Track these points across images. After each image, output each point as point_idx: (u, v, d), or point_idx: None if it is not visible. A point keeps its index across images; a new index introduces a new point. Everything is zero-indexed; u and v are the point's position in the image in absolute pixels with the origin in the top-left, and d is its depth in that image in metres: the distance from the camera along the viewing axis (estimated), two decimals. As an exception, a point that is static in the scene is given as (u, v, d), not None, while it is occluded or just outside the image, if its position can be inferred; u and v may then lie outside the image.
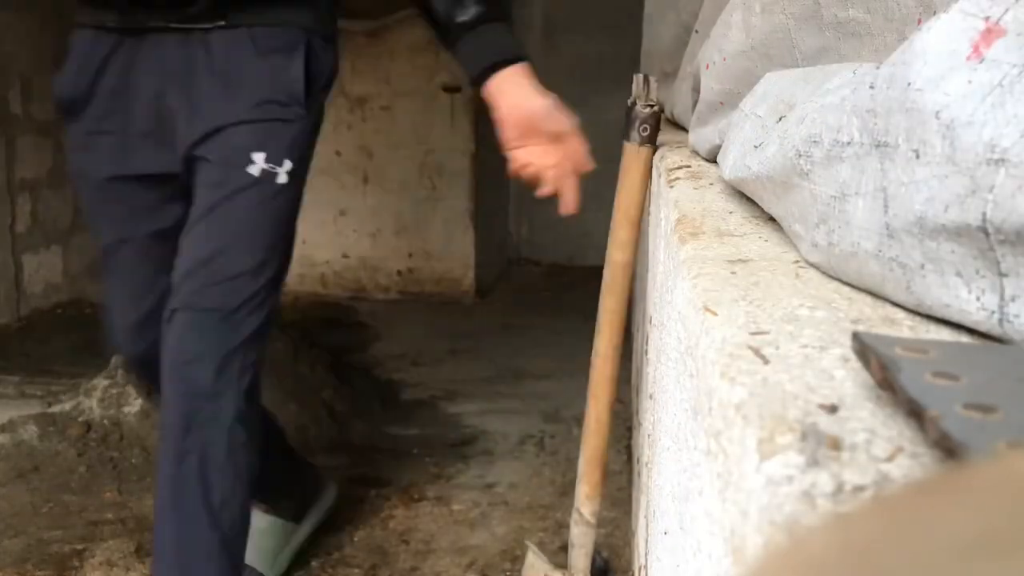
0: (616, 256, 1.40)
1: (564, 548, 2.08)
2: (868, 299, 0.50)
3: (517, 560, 2.01)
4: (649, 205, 1.38)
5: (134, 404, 2.59)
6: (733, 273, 0.58)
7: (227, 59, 1.49)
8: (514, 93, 1.54)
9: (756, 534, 0.31)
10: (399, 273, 4.34)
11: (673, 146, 1.45)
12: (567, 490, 2.18)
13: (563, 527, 2.16)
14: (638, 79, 1.34)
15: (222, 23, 1.48)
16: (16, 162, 3.89)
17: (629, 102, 1.34)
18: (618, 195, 1.38)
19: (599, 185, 5.47)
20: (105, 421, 2.55)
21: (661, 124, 1.38)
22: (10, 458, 2.47)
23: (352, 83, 4.24)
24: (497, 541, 2.13)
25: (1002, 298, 0.39)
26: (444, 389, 3.19)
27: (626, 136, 1.36)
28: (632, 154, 1.36)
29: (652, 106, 1.34)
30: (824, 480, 0.30)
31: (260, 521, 1.86)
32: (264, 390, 2.68)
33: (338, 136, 4.27)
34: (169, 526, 1.49)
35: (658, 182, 1.36)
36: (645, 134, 1.34)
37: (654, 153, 1.36)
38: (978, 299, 0.40)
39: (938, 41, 0.41)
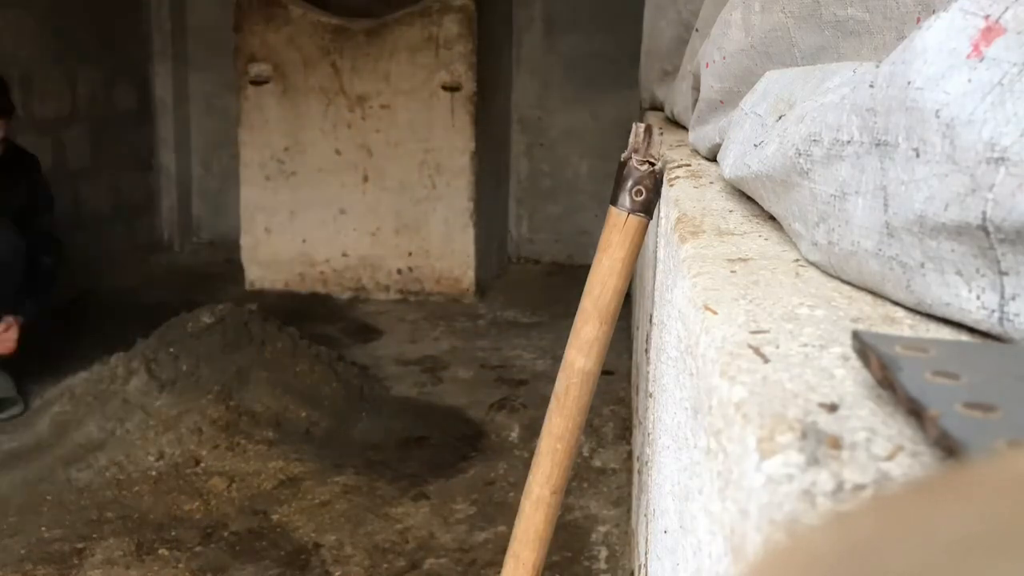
0: (577, 360, 1.02)
1: (566, 546, 2.08)
2: (868, 298, 0.50)
3: (517, 559, 2.01)
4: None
5: (134, 403, 2.59)
6: (733, 272, 0.58)
7: None
8: None
9: (756, 533, 0.31)
10: (399, 272, 4.33)
11: (673, 145, 1.45)
12: (569, 488, 2.18)
13: (565, 526, 2.16)
14: (636, 129, 1.01)
15: None
16: (16, 161, 3.89)
17: (623, 156, 1.01)
18: (591, 275, 1.02)
19: (597, 183, 5.45)
20: (105, 419, 2.55)
21: (663, 188, 1.04)
22: (11, 456, 2.47)
23: (352, 82, 4.24)
24: (498, 540, 2.13)
25: (1002, 297, 0.39)
26: (444, 387, 3.19)
27: (613, 199, 1.01)
28: (616, 224, 1.00)
29: (652, 163, 1.00)
30: (824, 479, 0.30)
31: None
32: (264, 387, 2.69)
33: (338, 135, 4.28)
34: None
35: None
36: (638, 199, 0.99)
37: (647, 225, 1.01)
38: (978, 298, 0.40)
39: (938, 39, 0.41)
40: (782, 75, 0.75)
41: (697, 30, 1.46)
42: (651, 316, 1.23)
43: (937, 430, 0.29)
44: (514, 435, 2.77)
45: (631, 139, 1.00)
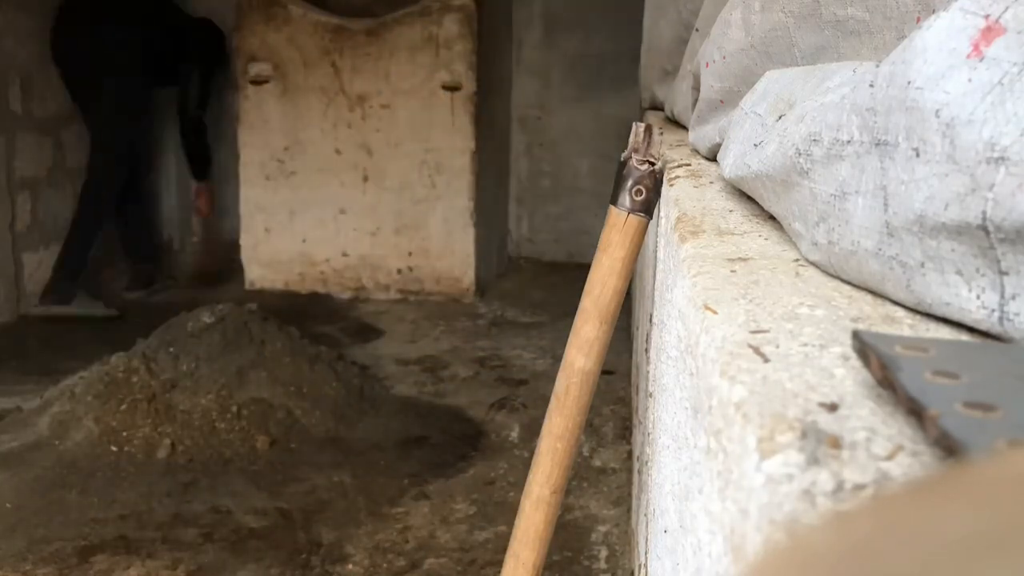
0: (577, 360, 1.02)
1: (566, 546, 2.08)
2: (868, 297, 0.50)
3: (517, 558, 2.01)
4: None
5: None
6: (733, 271, 0.58)
7: None
8: None
9: (756, 532, 0.31)
10: (399, 271, 4.33)
11: (673, 145, 1.45)
12: (569, 488, 2.18)
13: (565, 525, 2.16)
14: (636, 128, 1.01)
15: None
16: (16, 160, 3.89)
17: (622, 156, 1.02)
18: (591, 274, 1.02)
19: (597, 183, 5.44)
20: (104, 418, 2.55)
21: (663, 187, 1.05)
22: (10, 457, 2.47)
23: (352, 81, 4.24)
24: (498, 540, 2.13)
25: (1002, 296, 0.39)
26: (444, 387, 3.19)
27: (613, 198, 1.02)
28: (616, 224, 1.00)
29: (652, 163, 1.00)
30: (824, 478, 0.30)
31: None
32: (265, 386, 2.69)
33: (338, 134, 4.28)
34: None
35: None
36: (638, 198, 1.00)
37: (647, 224, 1.01)
38: (978, 297, 0.40)
39: (938, 39, 0.41)
40: (782, 75, 0.75)
41: (697, 30, 1.46)
42: (651, 316, 1.23)
43: (937, 430, 0.29)
44: (514, 435, 2.77)
45: (631, 139, 1.00)
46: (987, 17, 0.39)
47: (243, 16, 4.25)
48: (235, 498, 2.31)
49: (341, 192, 4.32)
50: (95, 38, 3.95)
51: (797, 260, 0.61)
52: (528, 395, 3.06)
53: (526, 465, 2.53)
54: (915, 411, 0.31)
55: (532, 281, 4.69)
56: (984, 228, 0.38)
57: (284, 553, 2.07)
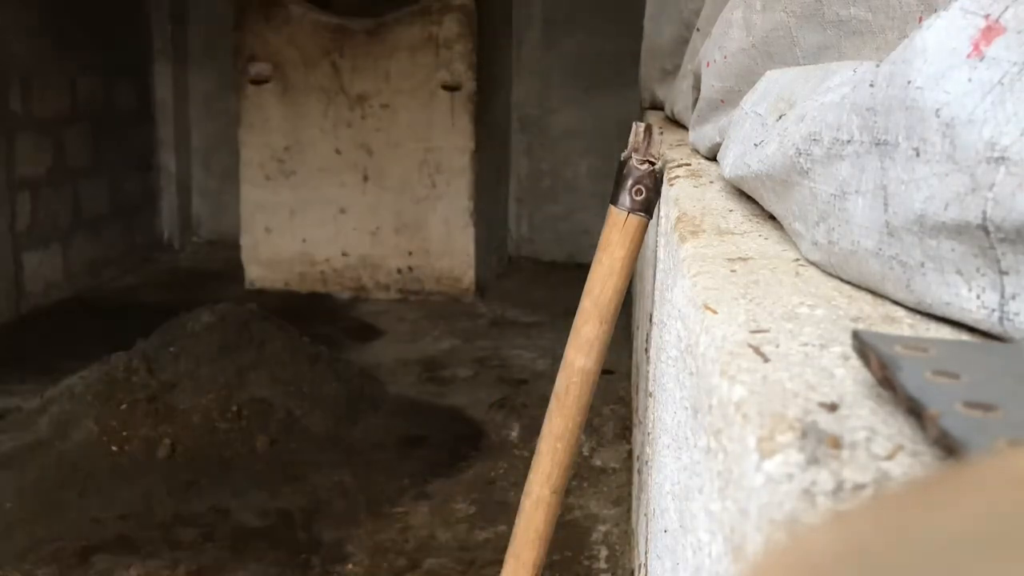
0: (577, 360, 1.01)
1: (566, 546, 2.08)
2: (868, 297, 0.50)
3: (517, 558, 2.01)
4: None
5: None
6: (733, 271, 0.58)
7: None
8: None
9: (756, 532, 0.31)
10: (399, 271, 4.33)
11: (673, 144, 1.45)
12: (569, 488, 2.18)
13: (565, 525, 2.16)
14: (636, 128, 1.01)
15: None
16: (16, 160, 3.89)
17: (622, 156, 1.02)
18: (591, 274, 1.01)
19: (598, 182, 5.46)
20: (104, 418, 2.55)
21: (663, 187, 1.04)
22: (11, 456, 2.47)
23: (352, 81, 4.24)
24: (498, 539, 2.13)
25: (1002, 296, 0.39)
26: (444, 387, 3.19)
27: (613, 198, 1.01)
28: (616, 223, 1.00)
29: (652, 163, 1.00)
30: (824, 478, 0.30)
31: None
32: (265, 386, 2.69)
33: (338, 134, 4.28)
34: None
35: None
36: (638, 198, 1.00)
37: (647, 224, 1.01)
38: (978, 297, 0.40)
39: (938, 39, 0.41)
40: (783, 74, 0.75)
41: (698, 29, 1.46)
42: (651, 315, 1.23)
43: (937, 429, 0.29)
44: (514, 435, 2.77)
45: (631, 138, 1.01)
46: (987, 17, 0.39)
47: (243, 15, 4.25)
48: (235, 498, 2.31)
49: (341, 192, 4.32)
50: None
51: (797, 260, 0.61)
52: (528, 395, 3.06)
53: (526, 465, 2.53)
54: (915, 411, 0.31)
55: (532, 281, 4.69)
56: (984, 228, 0.38)
57: (284, 553, 2.07)
